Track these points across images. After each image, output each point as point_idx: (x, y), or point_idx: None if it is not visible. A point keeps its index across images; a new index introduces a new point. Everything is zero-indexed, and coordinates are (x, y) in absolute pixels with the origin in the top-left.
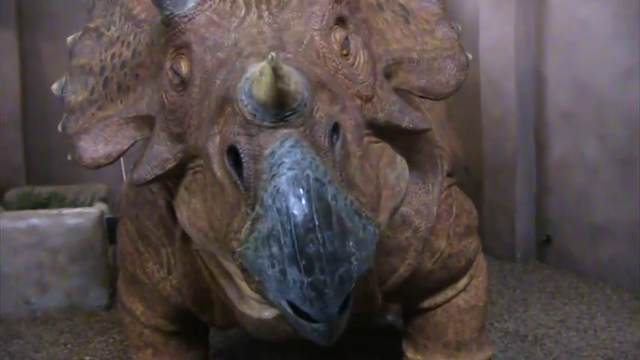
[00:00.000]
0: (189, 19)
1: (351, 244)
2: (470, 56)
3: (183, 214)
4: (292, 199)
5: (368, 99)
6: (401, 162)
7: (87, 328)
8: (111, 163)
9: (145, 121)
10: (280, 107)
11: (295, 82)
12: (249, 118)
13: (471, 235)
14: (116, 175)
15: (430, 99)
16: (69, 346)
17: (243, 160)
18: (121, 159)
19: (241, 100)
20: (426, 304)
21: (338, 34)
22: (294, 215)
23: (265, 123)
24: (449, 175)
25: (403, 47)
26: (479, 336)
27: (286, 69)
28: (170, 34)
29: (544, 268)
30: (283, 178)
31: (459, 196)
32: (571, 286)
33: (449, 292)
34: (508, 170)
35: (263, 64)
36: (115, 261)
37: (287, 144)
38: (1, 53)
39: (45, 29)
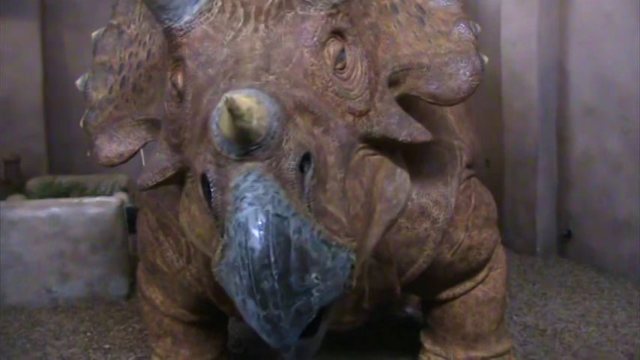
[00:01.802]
0: (185, 33)
1: (313, 276)
2: (486, 59)
3: (184, 219)
4: (250, 235)
5: (362, 114)
6: (401, 174)
7: (107, 317)
8: (124, 162)
9: (155, 124)
10: (243, 143)
11: (259, 117)
12: (218, 149)
13: (490, 227)
14: (136, 166)
15: (440, 105)
16: (89, 334)
17: (212, 190)
18: (141, 150)
19: (212, 130)
20: (444, 295)
21: (332, 48)
22: (252, 250)
23: (231, 156)
24: (468, 166)
25: (414, 52)
26: (497, 328)
27: (247, 107)
28: (170, 45)
29: (564, 263)
30: (244, 212)
31: (478, 187)
32: (591, 280)
33: (468, 284)
34: (529, 164)
35: (221, 104)
36: (135, 250)
37: (250, 178)
38: (24, 43)
39: (67, 20)
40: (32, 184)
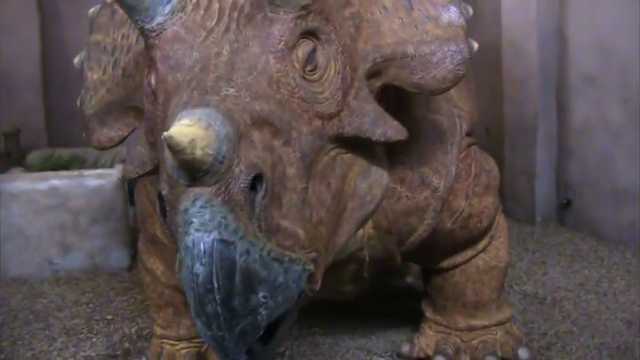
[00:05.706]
0: (157, 34)
1: (260, 295)
2: (475, 45)
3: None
4: (196, 261)
5: (332, 116)
6: (376, 170)
7: (109, 288)
8: (114, 146)
9: (141, 112)
10: (188, 172)
11: (204, 145)
12: (170, 172)
13: (491, 195)
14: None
15: (424, 94)
16: (91, 305)
17: (167, 209)
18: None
19: (165, 152)
20: (445, 264)
21: (302, 50)
22: (196, 275)
23: (181, 181)
24: (468, 134)
25: (398, 40)
26: (498, 297)
27: (189, 139)
28: (145, 43)
29: (564, 232)
30: (191, 238)
31: (479, 155)
32: (591, 249)
33: (469, 253)
34: (529, 133)
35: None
36: (135, 222)
37: (198, 203)
38: (22, 15)
39: None
40: (32, 157)
